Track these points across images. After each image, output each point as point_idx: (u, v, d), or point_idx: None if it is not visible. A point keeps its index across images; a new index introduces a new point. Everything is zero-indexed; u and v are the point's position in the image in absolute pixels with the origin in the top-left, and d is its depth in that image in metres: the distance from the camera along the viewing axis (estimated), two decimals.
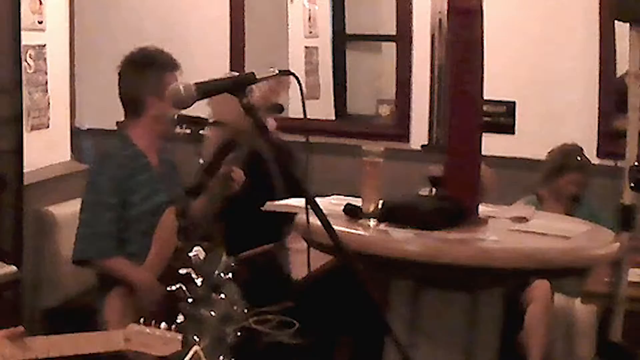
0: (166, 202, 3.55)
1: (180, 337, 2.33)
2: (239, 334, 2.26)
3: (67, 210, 4.71)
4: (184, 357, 2.13)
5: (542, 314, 4.28)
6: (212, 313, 2.20)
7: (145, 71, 3.60)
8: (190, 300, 2.21)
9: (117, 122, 3.74)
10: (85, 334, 2.38)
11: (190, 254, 2.26)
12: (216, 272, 2.24)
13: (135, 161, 3.63)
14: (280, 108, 3.59)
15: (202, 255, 2.26)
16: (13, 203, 4.50)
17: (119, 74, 3.66)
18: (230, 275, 2.25)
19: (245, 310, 2.27)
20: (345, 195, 3.31)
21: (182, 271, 2.23)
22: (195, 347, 2.14)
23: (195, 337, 2.18)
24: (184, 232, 3.25)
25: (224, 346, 2.22)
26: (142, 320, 2.29)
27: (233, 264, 2.29)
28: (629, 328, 3.74)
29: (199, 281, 2.22)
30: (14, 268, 4.32)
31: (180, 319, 2.21)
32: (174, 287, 2.22)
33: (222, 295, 2.23)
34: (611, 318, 3.75)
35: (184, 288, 2.22)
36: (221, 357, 2.22)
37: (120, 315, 3.37)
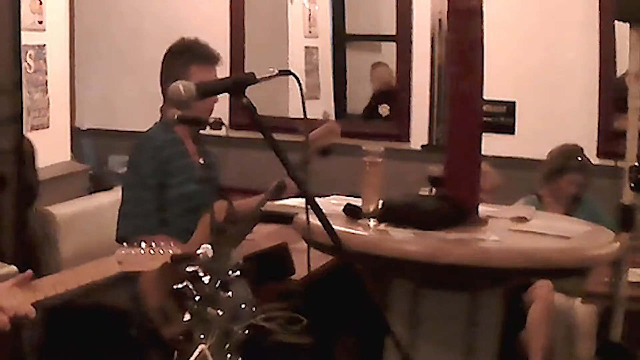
0: (201, 190, 3.61)
1: (166, 249, 2.47)
2: (246, 332, 2.26)
3: (67, 210, 4.71)
4: (190, 355, 2.15)
5: (543, 313, 4.28)
6: (219, 312, 2.20)
7: (176, 59, 3.65)
8: (197, 298, 2.22)
9: (160, 107, 3.80)
10: (82, 266, 2.53)
11: (198, 251, 2.27)
12: (224, 270, 2.24)
13: (174, 147, 3.71)
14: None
15: (210, 252, 2.26)
16: (13, 203, 4.50)
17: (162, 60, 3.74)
18: (238, 273, 2.25)
19: (254, 309, 2.27)
20: (345, 195, 3.31)
21: (189, 269, 2.23)
22: (202, 346, 2.15)
23: (201, 336, 2.19)
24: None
25: (231, 345, 2.22)
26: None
27: (241, 262, 2.30)
28: (629, 328, 3.74)
29: (206, 279, 2.22)
30: (14, 268, 4.31)
31: (186, 317, 2.22)
32: (180, 285, 2.23)
33: (230, 294, 2.22)
34: (611, 318, 3.75)
35: (191, 286, 2.23)
36: (228, 356, 2.22)
37: (155, 287, 3.44)
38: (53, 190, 4.85)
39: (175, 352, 2.32)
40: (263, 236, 4.59)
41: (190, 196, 3.64)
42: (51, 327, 4.56)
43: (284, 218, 4.16)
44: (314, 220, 2.26)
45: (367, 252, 2.83)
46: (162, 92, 3.76)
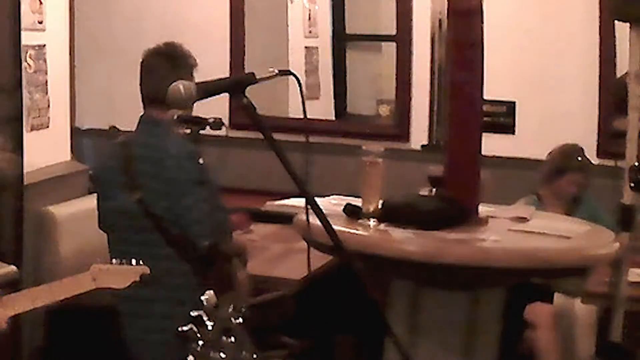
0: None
1: (137, 269, 2.62)
2: None
3: (67, 210, 4.71)
4: None
5: (551, 338, 4.29)
6: (222, 355, 2.23)
7: (177, 65, 3.57)
8: (200, 342, 2.24)
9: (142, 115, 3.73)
10: (58, 282, 2.65)
11: (202, 297, 2.30)
12: (227, 316, 2.28)
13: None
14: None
15: (213, 299, 2.30)
16: (13, 203, 4.50)
17: (145, 65, 3.62)
18: (240, 319, 2.28)
19: (254, 355, 2.30)
20: (345, 195, 3.31)
21: (194, 313, 2.27)
22: None
23: None
24: None
25: None
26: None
27: (244, 309, 2.33)
28: (629, 328, 3.74)
29: (209, 324, 2.25)
30: (14, 268, 4.31)
31: None
32: (185, 328, 2.27)
33: (232, 339, 2.25)
34: (611, 318, 3.75)
35: (195, 330, 2.26)
36: None
37: None
38: (53, 190, 4.85)
39: None
40: (263, 236, 4.60)
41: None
42: (51, 329, 4.56)
43: (284, 218, 4.17)
44: (314, 220, 2.26)
45: (367, 252, 2.83)
46: (148, 97, 3.64)
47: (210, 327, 2.25)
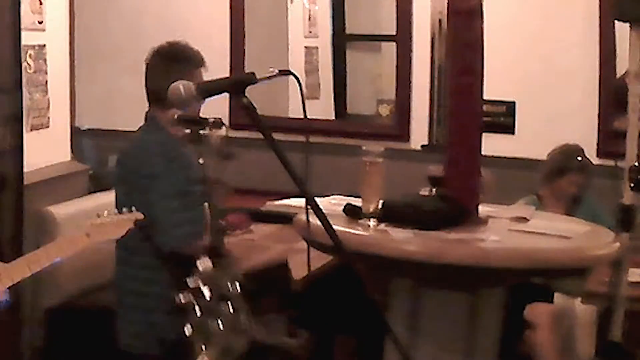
0: None
1: (130, 216, 2.64)
2: (246, 345, 2.30)
3: (67, 210, 4.70)
4: None
5: (551, 338, 4.29)
6: (220, 324, 2.23)
7: (173, 64, 3.58)
8: (198, 311, 2.25)
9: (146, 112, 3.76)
10: (53, 243, 2.68)
11: (199, 266, 2.30)
12: (224, 283, 2.28)
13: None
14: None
15: (210, 267, 2.29)
16: (13, 203, 4.50)
17: (148, 65, 3.65)
18: (237, 287, 2.29)
19: (252, 322, 2.31)
20: (345, 195, 3.31)
21: (191, 284, 2.27)
22: (204, 357, 2.19)
23: (203, 347, 2.22)
24: None
25: (232, 357, 2.25)
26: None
27: (240, 276, 2.34)
28: (629, 328, 3.74)
29: (207, 292, 2.26)
30: None
31: (188, 330, 2.25)
32: (183, 300, 2.28)
33: (230, 307, 2.26)
34: (611, 318, 3.75)
35: (192, 299, 2.26)
36: None
37: None
38: (53, 190, 4.85)
39: None
40: (263, 236, 4.60)
41: None
42: (51, 329, 4.56)
43: (284, 218, 4.17)
44: (314, 220, 2.26)
45: (367, 252, 2.83)
46: (152, 96, 3.65)
47: (207, 295, 2.25)
